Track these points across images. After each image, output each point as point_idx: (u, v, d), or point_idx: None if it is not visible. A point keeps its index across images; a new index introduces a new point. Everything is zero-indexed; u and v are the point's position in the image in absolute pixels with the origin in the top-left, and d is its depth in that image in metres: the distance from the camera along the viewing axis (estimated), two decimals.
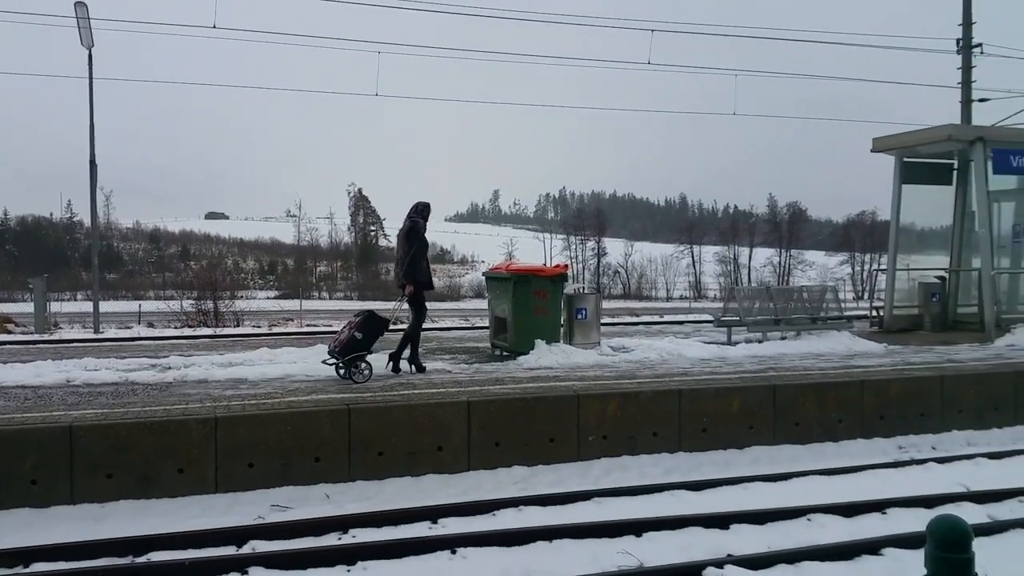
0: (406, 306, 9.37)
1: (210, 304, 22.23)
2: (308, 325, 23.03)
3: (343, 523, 5.63)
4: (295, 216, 79.24)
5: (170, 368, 9.26)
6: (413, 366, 9.32)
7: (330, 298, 60.38)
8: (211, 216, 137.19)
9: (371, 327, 8.60)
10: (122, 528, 5.52)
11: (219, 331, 17.98)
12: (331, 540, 5.40)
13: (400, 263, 9.42)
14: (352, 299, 57.34)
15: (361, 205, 78.85)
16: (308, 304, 40.05)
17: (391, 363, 9.24)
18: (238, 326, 21.18)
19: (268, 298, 45.58)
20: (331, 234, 79.60)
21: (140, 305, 29.32)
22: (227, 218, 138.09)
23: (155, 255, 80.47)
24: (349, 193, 79.56)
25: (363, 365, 8.48)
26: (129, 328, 19.80)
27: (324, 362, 8.81)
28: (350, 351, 8.43)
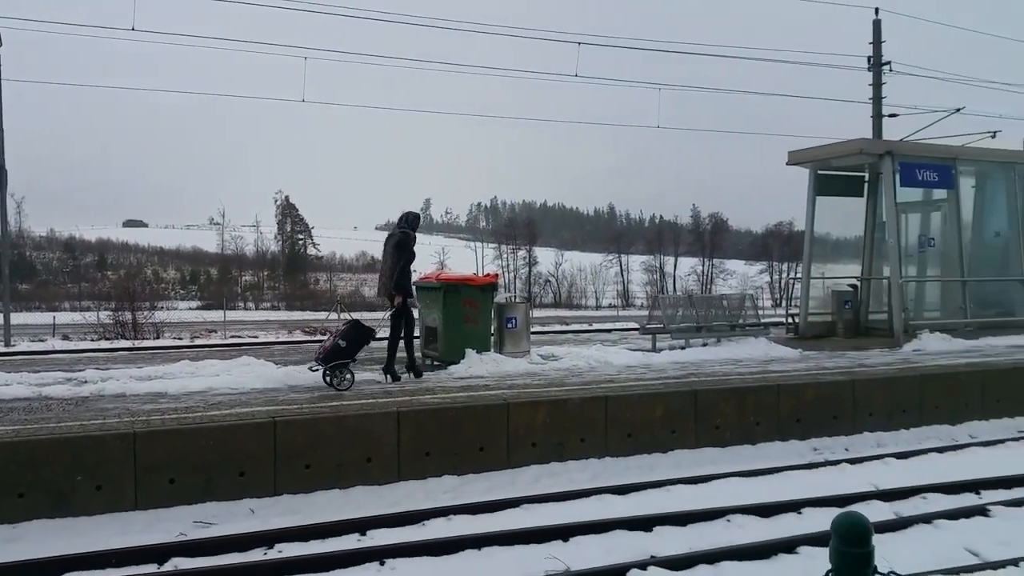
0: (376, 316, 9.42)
1: (128, 315, 21.52)
2: (232, 337, 22.50)
3: (269, 538, 5.56)
4: (219, 224, 77.49)
5: (86, 382, 8.96)
6: (388, 375, 9.41)
7: (256, 308, 58.94)
8: (130, 224, 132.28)
9: (356, 335, 8.79)
10: (35, 549, 5.33)
11: (138, 343, 17.43)
12: (256, 555, 5.33)
13: (388, 274, 9.47)
14: (279, 309, 56.14)
15: (288, 213, 77.41)
16: (233, 315, 39.05)
17: (409, 371, 9.60)
18: (158, 338, 20.57)
19: (190, 309, 44.36)
20: (257, 243, 77.93)
21: (55, 317, 28.09)
22: (146, 226, 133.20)
23: (70, 264, 77.09)
24: (276, 201, 78.02)
25: (346, 373, 8.68)
26: (43, 341, 18.96)
27: (311, 368, 8.99)
28: (333, 358, 8.60)
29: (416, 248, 9.66)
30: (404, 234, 9.55)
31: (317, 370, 8.83)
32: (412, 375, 9.57)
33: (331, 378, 8.63)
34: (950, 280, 15.09)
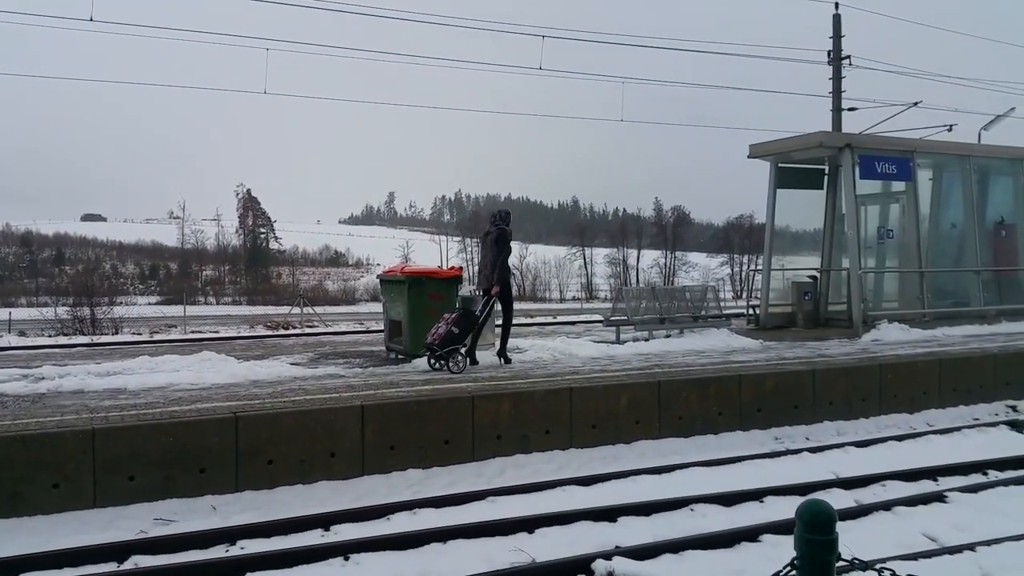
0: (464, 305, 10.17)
1: (87, 311, 21.14)
2: (193, 332, 22.17)
3: (230, 534, 5.48)
4: (179, 218, 76.25)
5: (43, 378, 8.72)
6: (502, 359, 10.24)
7: (217, 303, 58.17)
8: (88, 218, 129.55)
9: (466, 322, 9.62)
10: None
11: (96, 339, 17.08)
12: (218, 552, 5.25)
13: (489, 267, 10.17)
14: (241, 304, 55.44)
15: (250, 207, 76.42)
16: (193, 310, 38.51)
17: (501, 358, 10.26)
18: (117, 333, 20.21)
19: (150, 304, 43.64)
20: (218, 237, 76.77)
21: (11, 313, 27.42)
22: (105, 220, 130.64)
23: (27, 259, 75.24)
24: (237, 194, 77.00)
25: (459, 356, 9.43)
26: None
27: (419, 354, 9.87)
28: (448, 344, 9.38)
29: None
30: (501, 230, 10.26)
31: (423, 355, 9.70)
32: (470, 361, 10.02)
33: (447, 362, 9.38)
34: (908, 271, 15.38)
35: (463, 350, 9.56)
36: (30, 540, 5.40)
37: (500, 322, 10.58)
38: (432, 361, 9.54)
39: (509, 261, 10.51)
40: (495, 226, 10.38)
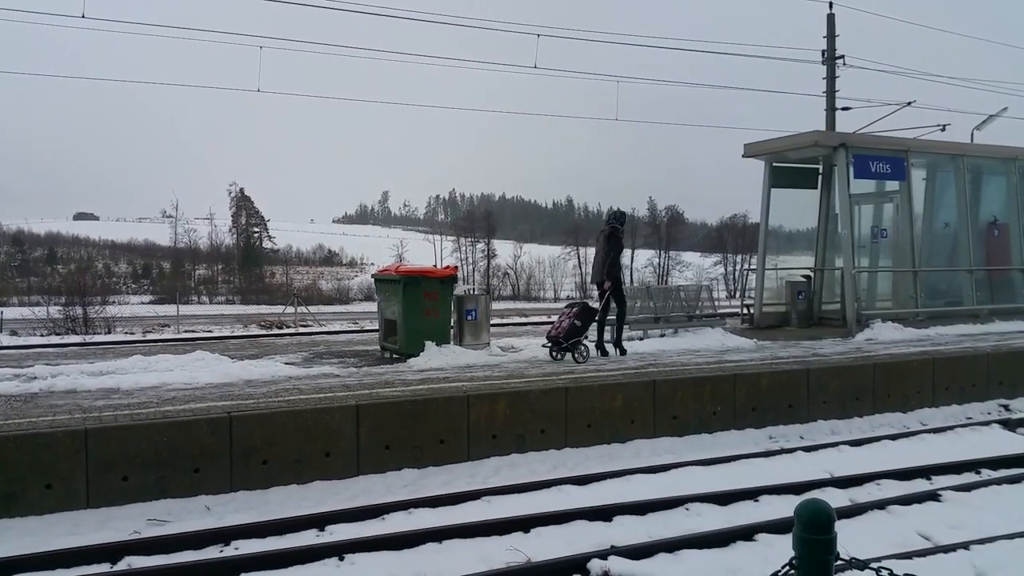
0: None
1: (79, 310, 21.03)
2: (186, 331, 22.10)
3: (225, 535, 5.45)
4: (171, 217, 75.76)
5: (36, 378, 8.68)
6: (618, 349, 10.94)
7: (211, 302, 57.85)
8: (80, 217, 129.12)
9: (587, 316, 10.40)
10: None
11: (89, 339, 17.03)
12: (212, 553, 5.23)
13: (601, 263, 10.90)
14: (234, 303, 55.20)
15: (243, 205, 76.03)
16: (186, 309, 38.38)
17: (618, 348, 10.97)
18: (110, 333, 20.14)
19: (143, 303, 43.43)
20: (211, 236, 76.31)
21: (2, 312, 27.22)
22: (97, 219, 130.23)
23: (19, 258, 74.85)
24: (230, 193, 76.52)
25: (582, 347, 10.20)
26: None
27: (543, 346, 10.62)
28: (572, 336, 10.18)
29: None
30: (613, 228, 10.92)
31: (546, 347, 10.49)
32: (600, 353, 10.89)
33: (573, 353, 10.14)
34: (902, 270, 15.41)
35: (586, 341, 10.33)
36: (23, 541, 5.36)
37: (613, 316, 11.09)
38: (555, 353, 10.35)
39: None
40: (608, 224, 11.07)
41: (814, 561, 2.50)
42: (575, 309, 10.51)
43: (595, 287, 11.21)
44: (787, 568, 2.54)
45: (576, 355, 10.15)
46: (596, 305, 10.92)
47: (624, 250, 11.07)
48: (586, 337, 10.34)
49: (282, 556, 5.00)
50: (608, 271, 10.73)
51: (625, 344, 11.23)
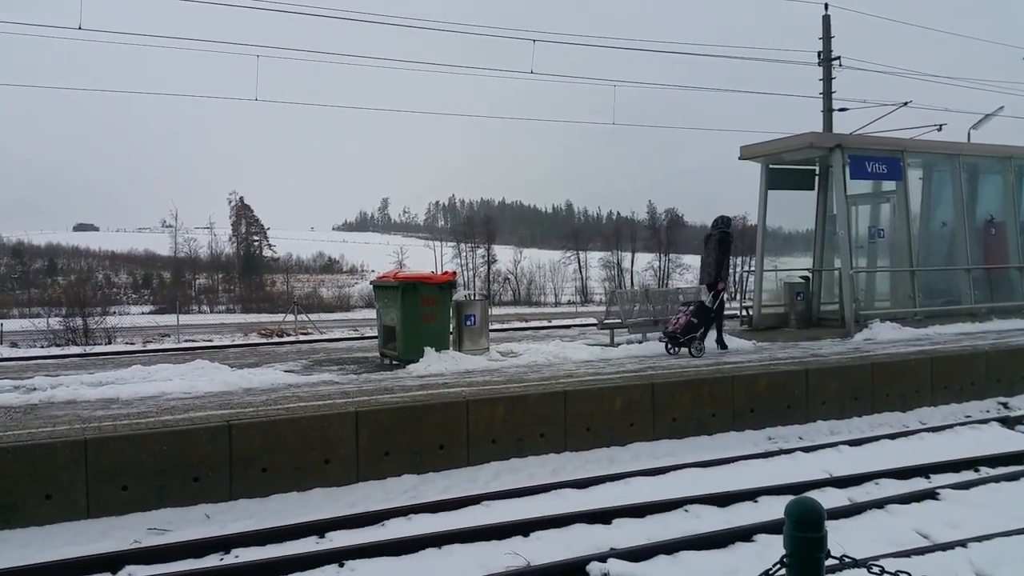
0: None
1: (79, 321, 21.05)
2: (186, 341, 22.12)
3: (225, 543, 5.47)
4: (171, 226, 76.08)
5: (36, 389, 8.70)
6: (719, 344, 11.81)
7: (211, 312, 57.94)
8: (80, 228, 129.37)
9: (702, 314, 11.17)
10: None
11: (89, 349, 17.02)
12: (212, 561, 5.24)
13: (712, 266, 11.75)
14: (235, 312, 55.28)
15: (243, 214, 76.24)
16: (186, 319, 38.41)
17: (718, 344, 11.82)
18: (110, 343, 20.14)
19: (143, 313, 43.46)
20: (211, 245, 76.59)
21: (2, 324, 27.28)
22: (97, 230, 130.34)
23: (19, 270, 75.00)
24: (230, 202, 76.78)
25: (698, 342, 10.97)
26: None
27: (660, 340, 11.62)
28: (689, 332, 10.96)
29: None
30: (724, 233, 11.86)
31: (662, 342, 11.42)
32: (719, 347, 11.80)
33: (689, 347, 10.91)
34: (899, 270, 15.41)
35: (701, 337, 11.07)
36: (23, 552, 5.38)
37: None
38: (671, 347, 11.24)
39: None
40: (717, 230, 11.90)
41: (805, 559, 2.52)
42: (692, 307, 11.18)
43: (704, 288, 12.04)
44: (778, 566, 2.56)
45: (692, 349, 10.86)
46: (709, 304, 11.48)
47: (731, 253, 12.14)
48: (701, 333, 11.07)
49: (282, 563, 5.01)
50: (720, 272, 11.62)
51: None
